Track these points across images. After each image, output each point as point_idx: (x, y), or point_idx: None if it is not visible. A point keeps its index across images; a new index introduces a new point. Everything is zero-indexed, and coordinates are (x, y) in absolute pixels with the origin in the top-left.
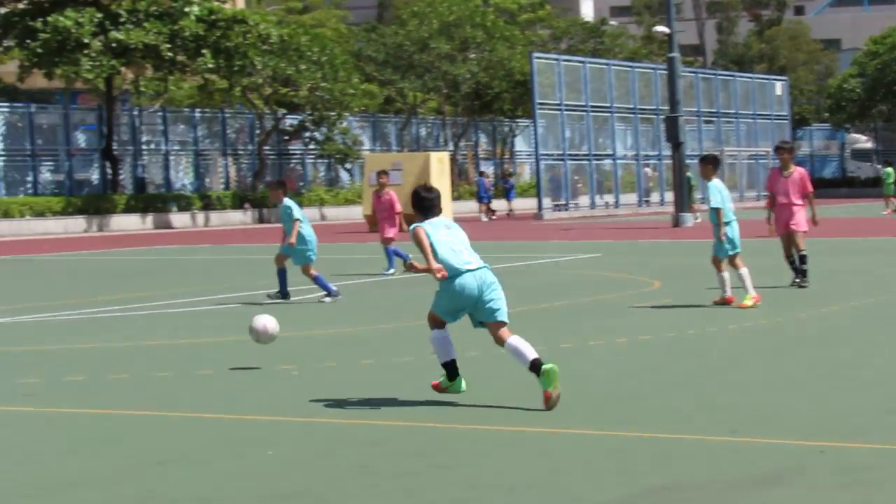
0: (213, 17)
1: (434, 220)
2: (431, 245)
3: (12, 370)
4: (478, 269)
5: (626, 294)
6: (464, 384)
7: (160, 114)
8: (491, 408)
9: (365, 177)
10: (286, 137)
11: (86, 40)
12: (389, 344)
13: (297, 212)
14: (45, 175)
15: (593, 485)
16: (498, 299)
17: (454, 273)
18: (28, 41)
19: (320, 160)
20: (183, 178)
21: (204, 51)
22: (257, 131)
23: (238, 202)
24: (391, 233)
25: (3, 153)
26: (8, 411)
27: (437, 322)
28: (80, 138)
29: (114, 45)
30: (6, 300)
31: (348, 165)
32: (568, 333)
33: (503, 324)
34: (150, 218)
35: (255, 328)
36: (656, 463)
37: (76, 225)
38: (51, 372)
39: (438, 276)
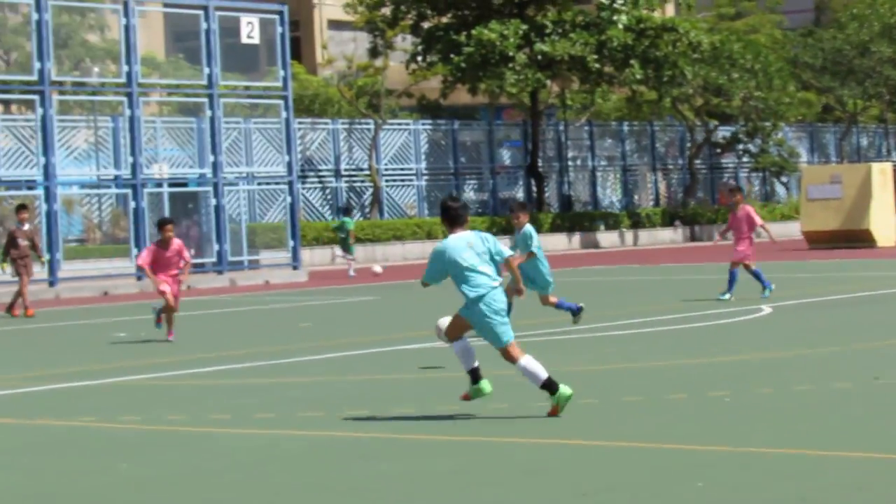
0: (641, 25)
1: (459, 235)
2: (458, 278)
3: (437, 397)
4: (495, 288)
5: None
6: (489, 386)
7: (587, 128)
8: None
9: (802, 190)
10: (718, 150)
11: (510, 53)
12: (827, 368)
13: (535, 241)
14: (469, 194)
15: None
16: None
17: (478, 299)
18: (452, 56)
19: (754, 173)
20: (610, 194)
21: (632, 61)
22: (688, 144)
23: (668, 219)
24: (743, 253)
25: (426, 172)
26: (435, 441)
27: (457, 333)
28: (505, 155)
29: (539, 57)
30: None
31: (784, 179)
32: None
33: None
34: (576, 237)
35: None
36: None
37: None
38: (475, 400)
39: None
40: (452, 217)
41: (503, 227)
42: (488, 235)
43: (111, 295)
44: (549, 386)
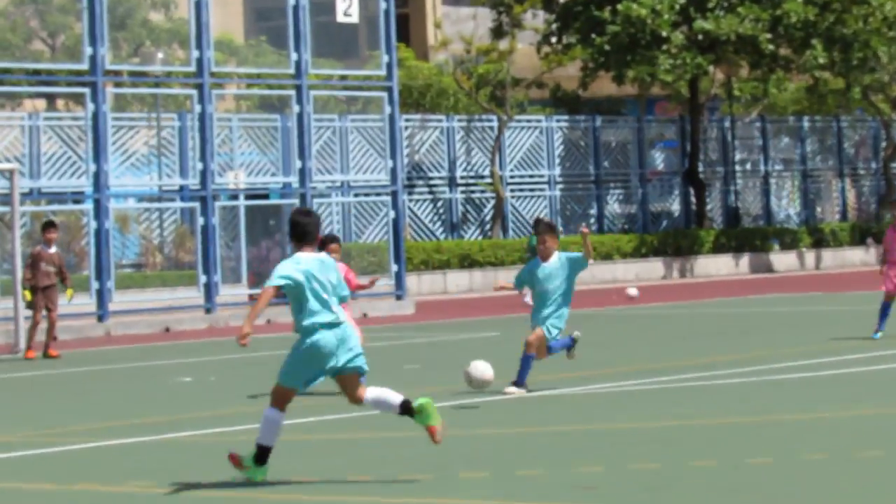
0: None
1: (307, 258)
2: (303, 296)
3: (573, 455)
4: (341, 322)
5: None
6: (264, 474)
7: (758, 124)
8: None
9: None
10: None
11: (664, 33)
12: None
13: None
14: (613, 206)
15: None
16: (358, 352)
17: (312, 330)
18: (593, 36)
19: None
20: (787, 206)
21: (814, 41)
22: (882, 143)
23: (858, 237)
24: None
25: (560, 179)
26: None
27: (281, 399)
28: (657, 158)
29: (700, 37)
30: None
31: None
32: None
33: (360, 376)
34: (744, 259)
35: (474, 377)
36: None
37: (651, 270)
38: (616, 457)
39: (240, 342)
40: (301, 233)
41: (654, 248)
42: (337, 268)
43: (174, 331)
44: (409, 410)
